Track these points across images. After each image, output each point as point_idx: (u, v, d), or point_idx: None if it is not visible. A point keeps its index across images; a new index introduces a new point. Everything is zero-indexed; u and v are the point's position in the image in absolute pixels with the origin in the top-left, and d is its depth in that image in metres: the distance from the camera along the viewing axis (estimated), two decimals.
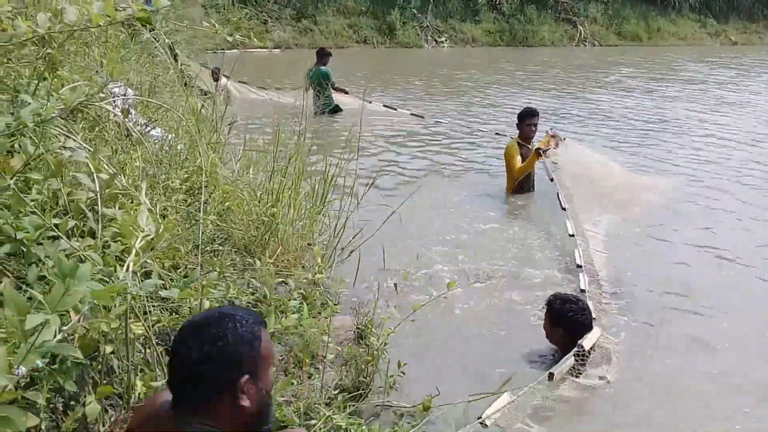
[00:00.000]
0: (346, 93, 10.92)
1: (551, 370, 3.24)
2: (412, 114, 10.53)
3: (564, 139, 6.75)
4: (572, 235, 5.06)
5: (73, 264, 1.30)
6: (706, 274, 5.00)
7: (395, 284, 3.29)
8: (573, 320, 3.63)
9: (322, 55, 10.83)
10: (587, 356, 3.43)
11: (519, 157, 6.57)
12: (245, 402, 1.48)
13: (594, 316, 3.78)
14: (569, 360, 3.37)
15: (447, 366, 3.61)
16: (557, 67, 20.68)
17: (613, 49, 28.64)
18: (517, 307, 4.32)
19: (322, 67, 10.67)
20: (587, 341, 3.47)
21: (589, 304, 3.84)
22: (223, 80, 9.58)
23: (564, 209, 5.51)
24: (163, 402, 1.55)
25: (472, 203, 6.56)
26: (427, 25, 27.11)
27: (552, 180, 5.99)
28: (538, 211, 6.28)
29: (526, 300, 4.37)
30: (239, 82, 10.95)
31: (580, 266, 4.59)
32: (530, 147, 6.60)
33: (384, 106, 10.69)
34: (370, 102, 10.34)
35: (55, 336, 1.21)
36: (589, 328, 3.63)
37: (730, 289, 4.71)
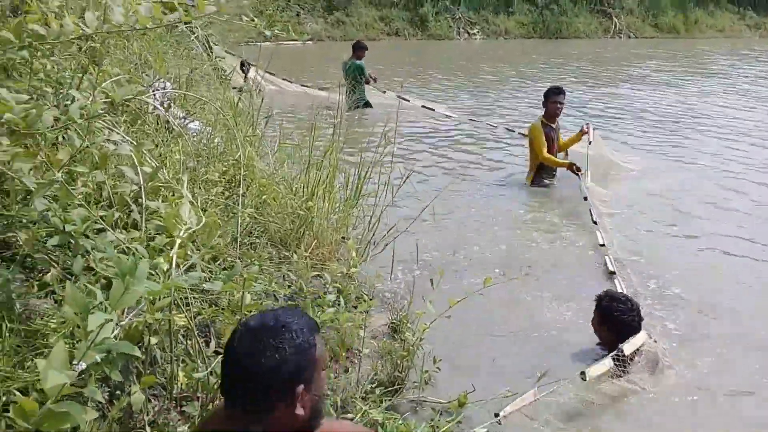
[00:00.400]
0: (375, 80, 10.68)
1: (584, 370, 3.21)
2: (446, 115, 10.26)
3: (591, 138, 6.75)
4: (602, 245, 5.07)
5: (132, 263, 1.32)
6: (748, 277, 4.89)
7: (431, 280, 3.28)
8: (619, 320, 3.57)
9: (358, 48, 10.63)
10: (627, 360, 3.38)
11: (541, 139, 6.55)
12: (300, 411, 1.48)
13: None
14: (606, 361, 3.33)
15: (483, 362, 3.60)
16: (587, 59, 20.34)
17: (648, 42, 28.13)
18: (555, 304, 4.28)
19: (357, 61, 10.50)
20: (628, 345, 3.41)
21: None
22: (252, 73, 9.60)
23: (595, 222, 5.48)
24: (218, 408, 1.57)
25: (505, 200, 6.52)
26: (460, 17, 26.90)
27: (586, 199, 5.97)
28: (566, 210, 6.19)
29: (563, 298, 4.33)
30: (268, 73, 10.80)
31: (614, 273, 4.56)
32: (554, 126, 6.60)
33: (423, 106, 10.37)
34: (408, 101, 10.07)
35: (112, 332, 1.23)
36: (637, 330, 3.57)
37: None
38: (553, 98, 6.56)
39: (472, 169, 7.60)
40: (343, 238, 4.29)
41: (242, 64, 9.76)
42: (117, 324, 1.31)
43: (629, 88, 14.33)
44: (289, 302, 3.31)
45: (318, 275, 3.68)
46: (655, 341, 3.69)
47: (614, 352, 3.36)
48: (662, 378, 3.50)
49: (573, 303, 4.24)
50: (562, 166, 6.60)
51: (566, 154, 7.21)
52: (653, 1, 31.53)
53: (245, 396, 1.49)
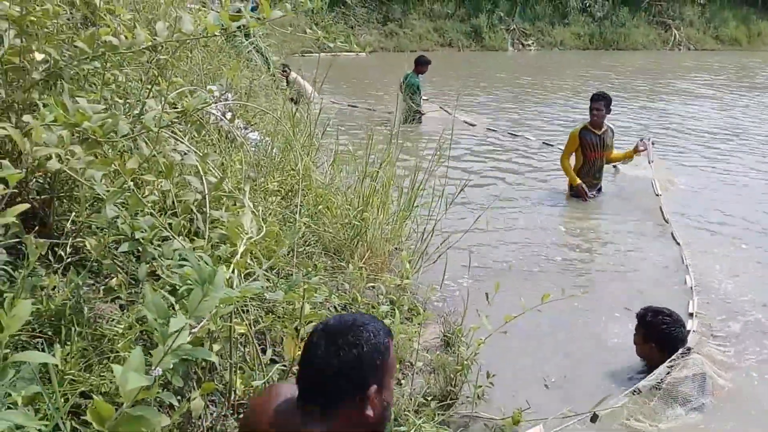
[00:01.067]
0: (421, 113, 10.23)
1: (596, 411, 3.07)
2: (488, 129, 10.04)
3: (651, 158, 6.65)
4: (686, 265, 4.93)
5: (211, 270, 1.34)
6: None
7: (486, 294, 3.24)
8: (666, 334, 3.49)
9: (421, 63, 10.18)
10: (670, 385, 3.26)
11: (570, 146, 6.54)
12: (370, 411, 1.50)
13: (693, 328, 3.62)
14: (621, 397, 3.20)
15: (538, 379, 3.54)
16: (646, 73, 19.88)
17: (708, 54, 27.40)
18: (609, 322, 4.19)
19: (417, 76, 10.12)
20: (654, 377, 3.27)
21: (691, 323, 3.67)
22: (294, 75, 9.65)
23: (678, 244, 5.34)
24: (287, 400, 1.58)
25: (558, 210, 6.42)
26: (514, 28, 26.74)
27: (658, 195, 5.95)
28: (634, 225, 6.04)
29: (620, 316, 4.23)
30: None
31: (693, 288, 4.43)
32: (598, 133, 6.49)
33: (464, 121, 10.03)
34: (449, 113, 9.78)
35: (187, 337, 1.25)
36: (684, 343, 3.49)
37: None
38: (592, 104, 6.48)
39: (523, 179, 7.51)
40: (396, 248, 4.29)
41: (283, 68, 9.83)
42: (191, 332, 1.33)
43: (668, 102, 13.94)
44: (343, 312, 3.33)
45: (372, 286, 3.68)
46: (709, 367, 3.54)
47: (630, 389, 3.24)
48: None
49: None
50: (571, 178, 6.56)
51: (617, 170, 7.11)
52: (714, 12, 30.76)
53: (319, 391, 1.51)
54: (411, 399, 2.96)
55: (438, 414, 2.93)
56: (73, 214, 2.26)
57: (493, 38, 25.97)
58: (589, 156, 6.52)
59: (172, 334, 1.19)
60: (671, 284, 4.75)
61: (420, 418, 2.84)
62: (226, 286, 1.90)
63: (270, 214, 3.30)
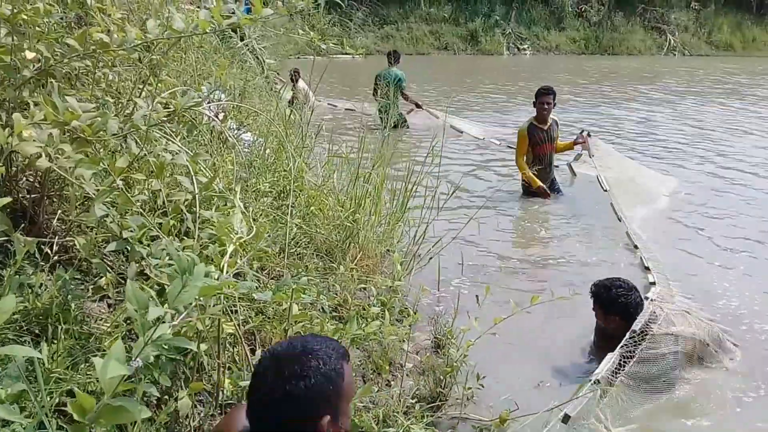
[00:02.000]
0: (419, 107, 10.07)
1: (566, 411, 3.07)
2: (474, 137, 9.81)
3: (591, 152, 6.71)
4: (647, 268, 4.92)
5: (191, 261, 1.34)
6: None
7: (477, 296, 3.25)
8: (625, 303, 3.52)
9: (395, 58, 10.03)
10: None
11: (522, 146, 6.60)
12: None
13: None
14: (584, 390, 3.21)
15: (527, 380, 3.54)
16: (638, 77, 20.00)
17: (702, 59, 27.56)
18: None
19: (396, 69, 9.87)
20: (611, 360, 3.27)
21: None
22: (302, 83, 9.68)
23: (636, 246, 5.30)
24: (246, 427, 1.54)
25: (552, 214, 6.43)
26: (510, 32, 26.84)
27: (606, 190, 6.02)
28: (603, 228, 6.06)
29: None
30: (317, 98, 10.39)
31: (654, 283, 4.46)
32: (543, 128, 6.54)
33: (451, 126, 9.60)
34: (437, 117, 9.72)
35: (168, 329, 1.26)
36: (641, 306, 3.52)
37: None
38: (539, 99, 6.52)
39: (512, 183, 7.52)
40: (388, 250, 4.30)
41: (293, 73, 9.87)
42: (170, 324, 1.33)
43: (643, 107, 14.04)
44: (333, 313, 3.33)
45: (363, 288, 3.69)
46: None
47: (592, 379, 3.22)
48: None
49: None
50: (531, 181, 6.56)
51: (573, 174, 7.24)
52: (708, 18, 30.95)
53: (270, 421, 1.45)
54: (400, 400, 2.96)
55: (427, 415, 2.93)
56: (60, 213, 2.26)
57: (489, 42, 26.10)
58: (539, 151, 6.60)
59: (149, 326, 1.19)
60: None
61: (409, 419, 2.84)
62: (233, 283, 1.90)
63: (261, 214, 3.30)
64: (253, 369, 1.52)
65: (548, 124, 6.58)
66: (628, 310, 3.51)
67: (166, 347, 1.28)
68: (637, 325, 3.34)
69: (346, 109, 10.64)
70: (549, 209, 6.56)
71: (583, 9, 28.44)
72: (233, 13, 2.36)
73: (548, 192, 6.60)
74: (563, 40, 27.78)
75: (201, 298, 1.47)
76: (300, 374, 1.43)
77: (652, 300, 3.66)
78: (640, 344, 3.28)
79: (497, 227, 5.89)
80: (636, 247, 5.19)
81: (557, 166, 7.15)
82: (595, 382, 3.07)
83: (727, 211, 6.59)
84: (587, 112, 12.67)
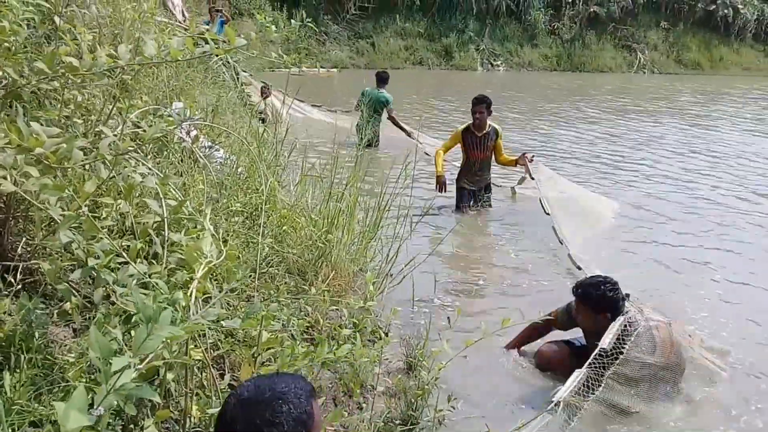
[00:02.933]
0: (408, 134, 9.61)
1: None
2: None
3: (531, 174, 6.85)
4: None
5: (156, 308, 1.32)
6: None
7: (448, 318, 3.27)
8: (614, 298, 3.51)
9: (384, 79, 9.85)
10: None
11: (451, 143, 6.83)
12: None
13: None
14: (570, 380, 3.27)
15: (498, 400, 3.55)
16: (601, 94, 20.34)
17: (670, 77, 28.13)
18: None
19: (382, 91, 9.72)
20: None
21: None
22: (272, 99, 9.56)
23: (579, 268, 5.30)
24: None
25: (526, 236, 6.47)
26: (484, 49, 27.13)
27: (548, 213, 6.10)
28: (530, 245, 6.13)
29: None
30: (297, 99, 9.93)
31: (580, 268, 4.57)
32: (477, 134, 6.70)
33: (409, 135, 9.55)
34: (406, 131, 9.59)
35: (132, 375, 1.24)
36: (624, 300, 3.54)
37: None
38: (474, 108, 6.69)
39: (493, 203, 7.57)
40: (360, 269, 4.29)
41: (262, 90, 9.79)
42: (136, 368, 1.31)
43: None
44: (305, 335, 3.30)
45: (336, 308, 3.67)
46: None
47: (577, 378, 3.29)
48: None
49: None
50: (438, 168, 6.80)
51: (514, 193, 7.42)
52: (678, 37, 31.62)
53: None
54: (371, 424, 2.94)
55: None
56: (25, 240, 2.21)
57: (462, 57, 26.34)
58: (471, 155, 6.79)
59: (114, 374, 1.17)
60: None
61: None
62: (181, 314, 1.88)
63: (232, 235, 3.27)
64: (218, 414, 1.48)
65: (483, 131, 6.71)
66: (617, 305, 3.51)
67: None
68: (607, 339, 3.35)
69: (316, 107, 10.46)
70: (492, 230, 6.66)
71: (555, 26, 28.88)
72: (207, 30, 2.36)
73: (444, 186, 6.78)
74: (536, 57, 28.17)
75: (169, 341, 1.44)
76: (272, 422, 1.41)
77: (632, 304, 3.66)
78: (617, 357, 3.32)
79: (473, 246, 5.93)
80: (579, 268, 5.22)
81: (499, 186, 7.31)
82: (555, 405, 3.09)
83: (669, 230, 6.76)
84: (532, 132, 12.78)
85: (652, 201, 7.87)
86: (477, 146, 6.72)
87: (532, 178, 6.79)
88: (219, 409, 1.52)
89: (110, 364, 1.17)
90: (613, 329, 3.40)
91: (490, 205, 7.04)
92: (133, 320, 1.74)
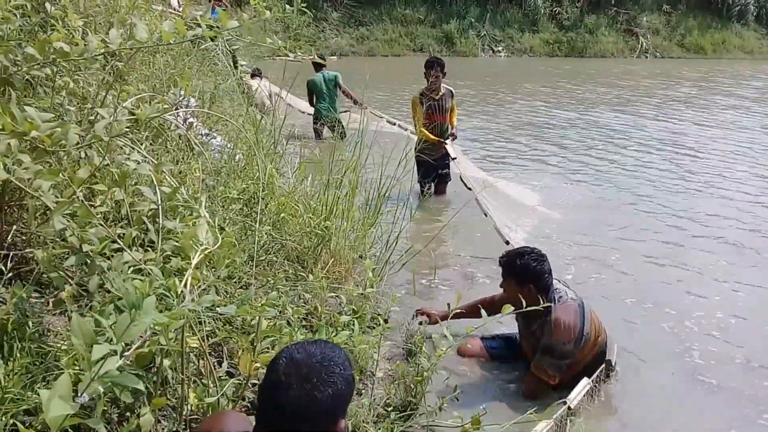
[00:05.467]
0: (357, 103, 9.00)
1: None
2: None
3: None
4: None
5: (140, 295, 1.31)
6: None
7: (448, 304, 3.25)
8: (539, 270, 3.36)
9: (321, 65, 9.39)
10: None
11: (418, 114, 6.66)
12: None
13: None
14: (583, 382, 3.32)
15: (496, 386, 3.55)
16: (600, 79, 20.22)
17: (673, 62, 27.98)
18: None
19: (328, 72, 9.24)
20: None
21: None
22: (260, 82, 9.31)
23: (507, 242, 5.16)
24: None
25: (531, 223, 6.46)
26: (485, 34, 26.96)
27: (470, 188, 6.05)
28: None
29: None
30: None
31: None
32: (434, 97, 6.64)
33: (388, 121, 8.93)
34: (382, 117, 8.92)
35: (117, 362, 1.22)
36: (550, 273, 3.41)
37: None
38: (429, 71, 6.63)
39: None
40: (360, 256, 4.28)
41: (253, 73, 9.65)
42: (122, 356, 1.29)
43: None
44: (303, 322, 3.30)
45: (335, 295, 3.66)
46: None
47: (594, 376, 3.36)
48: None
49: None
50: (433, 141, 6.61)
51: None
52: (680, 21, 31.40)
53: (288, 428, 1.48)
54: (371, 410, 2.94)
55: (397, 425, 2.91)
56: (15, 227, 2.20)
57: (463, 44, 26.17)
58: (432, 119, 6.69)
59: (98, 361, 1.16)
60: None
61: (379, 429, 2.82)
62: (177, 300, 1.87)
63: (229, 223, 3.26)
64: (266, 374, 1.54)
65: (440, 93, 6.68)
66: (542, 278, 3.36)
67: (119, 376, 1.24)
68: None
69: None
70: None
71: (556, 11, 28.68)
72: (200, 17, 2.33)
73: (443, 141, 6.70)
74: (537, 43, 27.98)
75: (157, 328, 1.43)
76: (327, 381, 1.49)
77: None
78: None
79: (474, 234, 5.89)
80: (507, 242, 5.15)
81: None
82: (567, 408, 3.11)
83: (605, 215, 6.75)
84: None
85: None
86: (436, 109, 6.67)
87: (453, 159, 6.78)
88: (268, 366, 1.55)
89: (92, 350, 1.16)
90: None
91: (449, 177, 7.00)
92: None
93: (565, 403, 3.14)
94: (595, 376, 3.40)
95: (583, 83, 19.05)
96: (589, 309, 3.47)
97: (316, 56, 9.87)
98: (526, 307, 3.02)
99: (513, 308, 2.94)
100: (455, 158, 6.77)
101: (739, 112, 14.46)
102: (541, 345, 3.35)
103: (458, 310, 3.25)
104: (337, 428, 1.51)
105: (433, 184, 6.84)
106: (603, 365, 3.49)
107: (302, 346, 1.57)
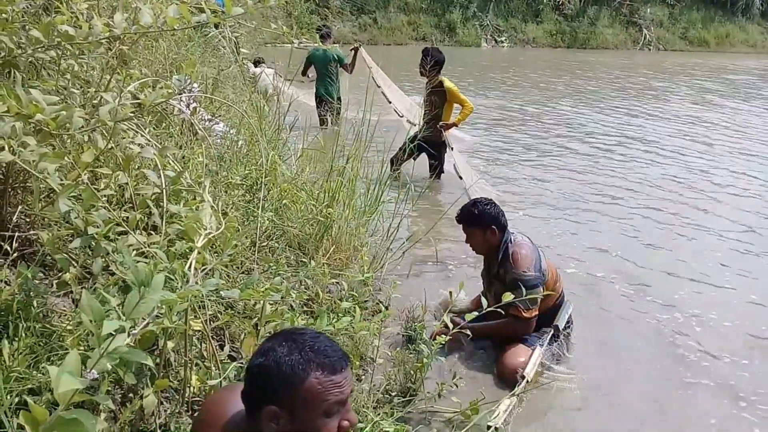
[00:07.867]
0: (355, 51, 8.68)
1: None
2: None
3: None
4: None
5: (148, 273, 1.32)
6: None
7: (450, 292, 3.27)
8: (496, 211, 3.65)
9: (328, 35, 8.99)
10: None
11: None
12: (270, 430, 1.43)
13: None
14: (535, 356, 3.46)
15: (491, 372, 3.57)
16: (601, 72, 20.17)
17: (674, 54, 27.89)
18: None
19: (335, 48, 8.89)
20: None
21: None
22: (263, 70, 9.24)
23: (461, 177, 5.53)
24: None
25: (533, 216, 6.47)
26: (488, 24, 26.86)
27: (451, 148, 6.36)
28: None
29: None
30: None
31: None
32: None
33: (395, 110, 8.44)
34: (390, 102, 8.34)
35: (126, 339, 1.24)
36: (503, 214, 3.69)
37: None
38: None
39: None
40: (362, 244, 4.29)
41: (256, 61, 9.58)
42: (129, 333, 1.31)
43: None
44: (304, 308, 3.31)
45: (336, 282, 3.68)
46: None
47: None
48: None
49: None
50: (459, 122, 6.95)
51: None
52: (682, 13, 31.27)
53: (246, 392, 1.49)
54: (370, 395, 2.96)
55: (397, 410, 2.93)
56: (20, 208, 2.21)
57: (466, 33, 26.08)
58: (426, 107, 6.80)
59: (106, 337, 1.17)
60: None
61: (378, 414, 2.84)
62: (181, 283, 1.88)
63: (232, 208, 3.27)
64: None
65: (433, 84, 6.78)
66: (499, 218, 3.63)
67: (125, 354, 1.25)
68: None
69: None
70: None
71: (560, 2, 28.56)
72: (205, 2, 2.33)
73: (447, 124, 6.84)
74: (540, 33, 27.88)
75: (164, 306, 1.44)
76: (285, 353, 1.44)
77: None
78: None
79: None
80: (461, 177, 5.17)
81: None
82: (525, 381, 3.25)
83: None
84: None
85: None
86: (427, 99, 6.77)
87: (451, 148, 6.87)
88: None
89: (102, 326, 1.17)
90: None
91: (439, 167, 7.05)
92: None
93: (523, 377, 3.28)
94: (546, 345, 3.54)
95: (582, 75, 19.00)
96: (544, 254, 3.69)
97: (322, 28, 9.55)
98: (499, 261, 3.57)
99: (512, 296, 3.02)
100: (452, 147, 6.79)
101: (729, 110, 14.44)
102: (507, 284, 3.46)
103: (468, 311, 3.44)
104: (263, 411, 1.42)
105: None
106: (551, 330, 3.63)
107: (311, 332, 1.52)
